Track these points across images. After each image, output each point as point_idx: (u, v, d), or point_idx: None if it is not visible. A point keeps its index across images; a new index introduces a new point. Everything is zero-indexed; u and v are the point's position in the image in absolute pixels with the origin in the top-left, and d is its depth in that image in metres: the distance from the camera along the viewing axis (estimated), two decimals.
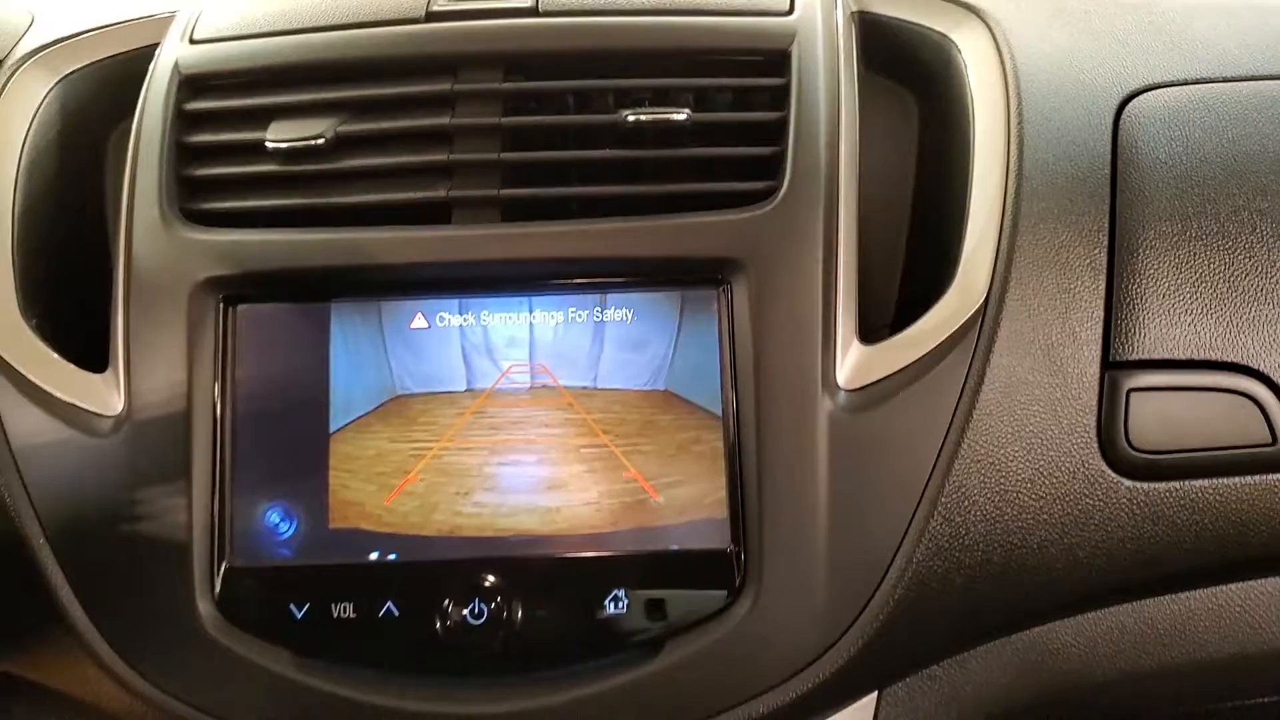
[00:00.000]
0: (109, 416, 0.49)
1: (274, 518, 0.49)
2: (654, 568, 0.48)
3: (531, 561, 0.48)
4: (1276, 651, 0.53)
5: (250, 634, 0.47)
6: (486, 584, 0.48)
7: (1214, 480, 0.50)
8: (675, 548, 0.48)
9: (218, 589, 0.48)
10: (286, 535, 0.49)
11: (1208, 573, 0.51)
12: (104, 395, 0.50)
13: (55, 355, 0.51)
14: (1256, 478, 0.50)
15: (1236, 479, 0.50)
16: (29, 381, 0.50)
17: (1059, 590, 0.50)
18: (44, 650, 0.50)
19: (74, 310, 0.54)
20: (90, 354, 0.51)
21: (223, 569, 0.48)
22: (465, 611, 0.47)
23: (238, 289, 0.50)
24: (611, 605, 0.47)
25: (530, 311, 0.50)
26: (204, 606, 0.47)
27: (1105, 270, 0.50)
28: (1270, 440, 0.50)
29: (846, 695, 0.50)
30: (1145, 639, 0.53)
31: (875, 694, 0.52)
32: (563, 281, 0.50)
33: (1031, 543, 0.48)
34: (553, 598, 0.48)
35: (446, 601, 0.47)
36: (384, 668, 0.48)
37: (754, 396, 0.48)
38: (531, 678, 0.47)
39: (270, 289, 0.50)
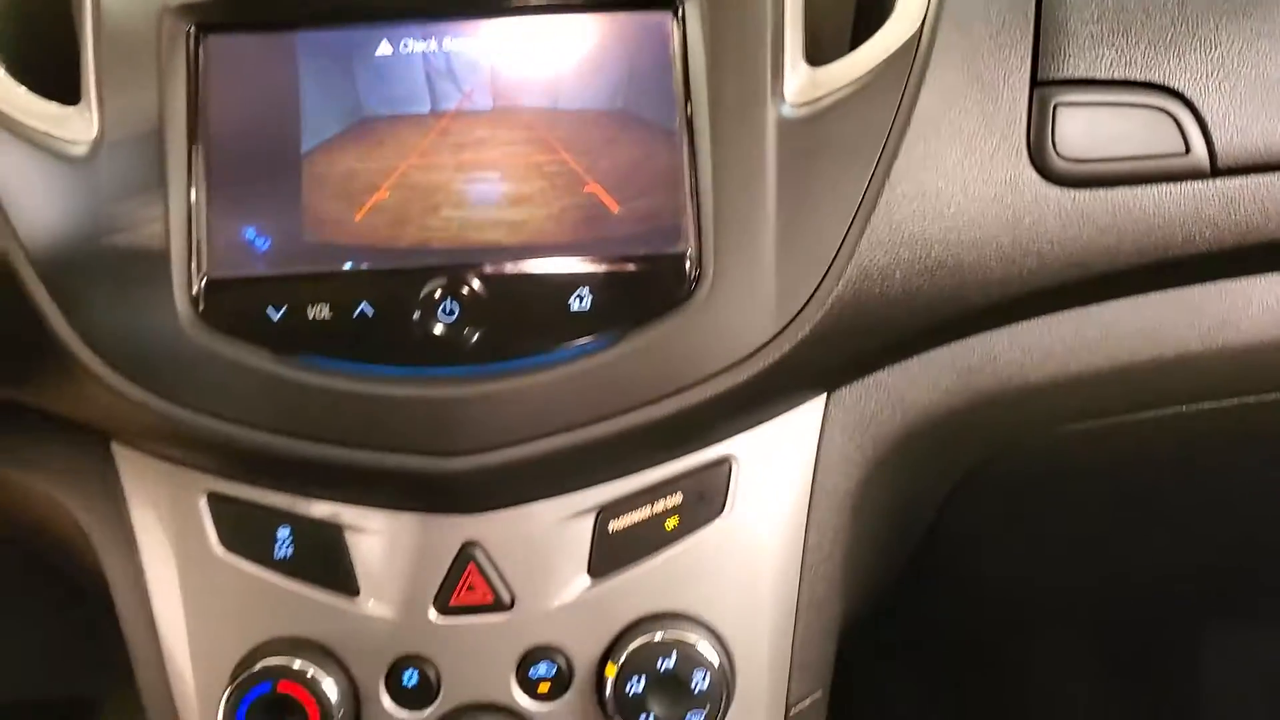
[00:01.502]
0: (84, 143, 0.51)
1: (250, 233, 0.51)
2: (615, 269, 0.51)
3: (499, 265, 0.51)
4: (1191, 356, 0.58)
5: (229, 336, 0.50)
6: (456, 285, 0.50)
7: (1134, 188, 0.54)
8: (635, 251, 0.51)
9: (197, 297, 0.50)
10: (263, 249, 0.51)
11: (1129, 277, 0.56)
12: (78, 125, 0.51)
13: (26, 90, 0.52)
14: (1172, 186, 0.54)
15: (1154, 187, 0.54)
16: (4, 115, 0.52)
17: (992, 290, 0.54)
18: (34, 370, 0.53)
19: (43, 52, 0.55)
20: (64, 94, 0.53)
21: (202, 279, 0.50)
22: (437, 310, 0.50)
23: (207, 17, 0.52)
24: (575, 302, 0.51)
25: (492, 36, 0.53)
26: (184, 314, 0.50)
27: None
28: (1184, 150, 0.54)
29: (796, 386, 0.54)
30: (1073, 345, 0.57)
31: (825, 397, 0.56)
32: (522, 4, 0.53)
33: (966, 240, 0.52)
34: (519, 297, 0.51)
35: (418, 301, 0.50)
36: (358, 360, 0.50)
37: (707, 112, 0.51)
38: (500, 367, 0.50)
39: (239, 15, 0.52)
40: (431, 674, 0.54)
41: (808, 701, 0.57)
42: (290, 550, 0.54)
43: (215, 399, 0.50)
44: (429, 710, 0.54)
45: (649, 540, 0.54)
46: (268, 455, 0.50)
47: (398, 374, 0.50)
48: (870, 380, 0.57)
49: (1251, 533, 0.82)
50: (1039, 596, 0.98)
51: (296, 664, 0.52)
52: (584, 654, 0.54)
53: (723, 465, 0.55)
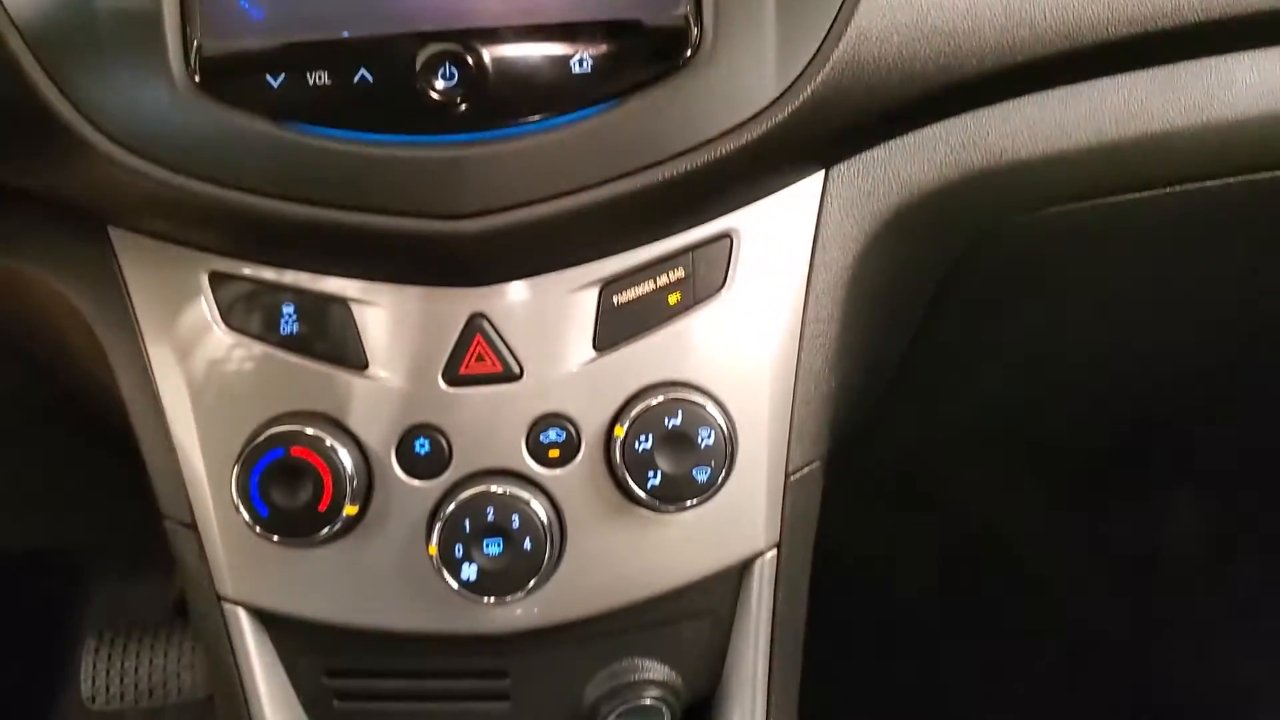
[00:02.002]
0: None
1: (244, 2, 0.51)
2: (618, 34, 0.50)
3: (498, 29, 0.50)
4: (1176, 133, 0.59)
5: (228, 105, 0.49)
6: (455, 51, 0.50)
7: None
8: (635, 14, 0.51)
9: (193, 66, 0.49)
10: (259, 16, 0.50)
11: (1117, 52, 0.56)
12: None
13: None
14: None
15: None
16: None
17: (985, 58, 0.54)
18: (30, 147, 0.52)
19: None
20: None
21: (196, 46, 0.49)
22: (436, 75, 0.50)
23: None
24: (576, 65, 0.50)
25: None
26: (181, 82, 0.49)
27: None
28: None
29: (796, 157, 0.55)
30: (1061, 122, 0.58)
31: (823, 174, 0.57)
32: None
33: (961, 8, 0.53)
34: (519, 61, 0.50)
35: (417, 67, 0.49)
36: (359, 129, 0.50)
37: None
38: (502, 131, 0.50)
39: None
40: (443, 442, 0.55)
41: (806, 470, 0.59)
42: (295, 326, 0.54)
43: (215, 166, 0.50)
44: (441, 478, 0.55)
45: (652, 314, 0.55)
46: (273, 223, 0.50)
47: (399, 140, 0.50)
48: (867, 157, 0.58)
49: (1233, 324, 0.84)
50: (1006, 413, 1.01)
51: (309, 430, 0.53)
52: (592, 421, 0.55)
53: (724, 240, 0.55)
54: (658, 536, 0.57)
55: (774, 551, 0.60)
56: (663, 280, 0.55)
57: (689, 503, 0.55)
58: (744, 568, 0.60)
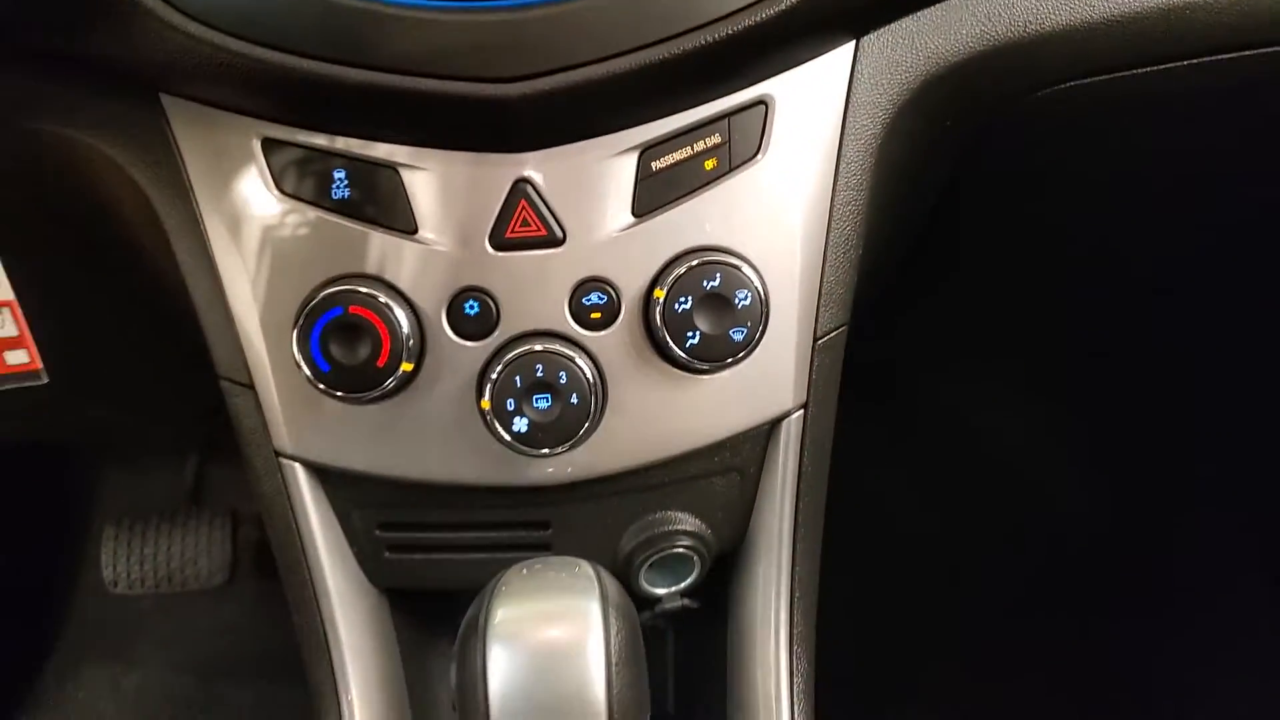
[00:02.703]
0: None
1: None
2: None
3: None
4: (1196, 3, 0.61)
5: None
6: None
7: None
8: None
9: None
10: None
11: None
12: None
13: None
14: None
15: None
16: None
17: None
18: (91, 13, 0.52)
19: None
20: None
21: None
22: None
23: None
24: None
25: None
26: None
27: None
28: None
29: (830, 23, 0.56)
30: None
31: (854, 45, 0.59)
32: None
33: None
34: None
35: None
36: None
37: None
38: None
39: None
40: (490, 304, 0.57)
41: (833, 334, 0.62)
42: (347, 191, 0.56)
43: (271, 30, 0.51)
44: (490, 339, 0.58)
45: (689, 180, 0.57)
46: (327, 86, 0.51)
47: (450, 5, 0.51)
48: (896, 28, 0.59)
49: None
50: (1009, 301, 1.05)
51: (364, 289, 0.56)
52: (631, 284, 0.58)
53: (759, 106, 0.57)
54: (693, 396, 0.60)
55: (801, 412, 0.63)
56: (699, 146, 0.57)
57: (726, 362, 0.58)
58: (772, 427, 0.63)
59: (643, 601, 0.66)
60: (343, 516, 0.63)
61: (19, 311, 0.62)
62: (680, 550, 0.64)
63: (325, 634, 0.62)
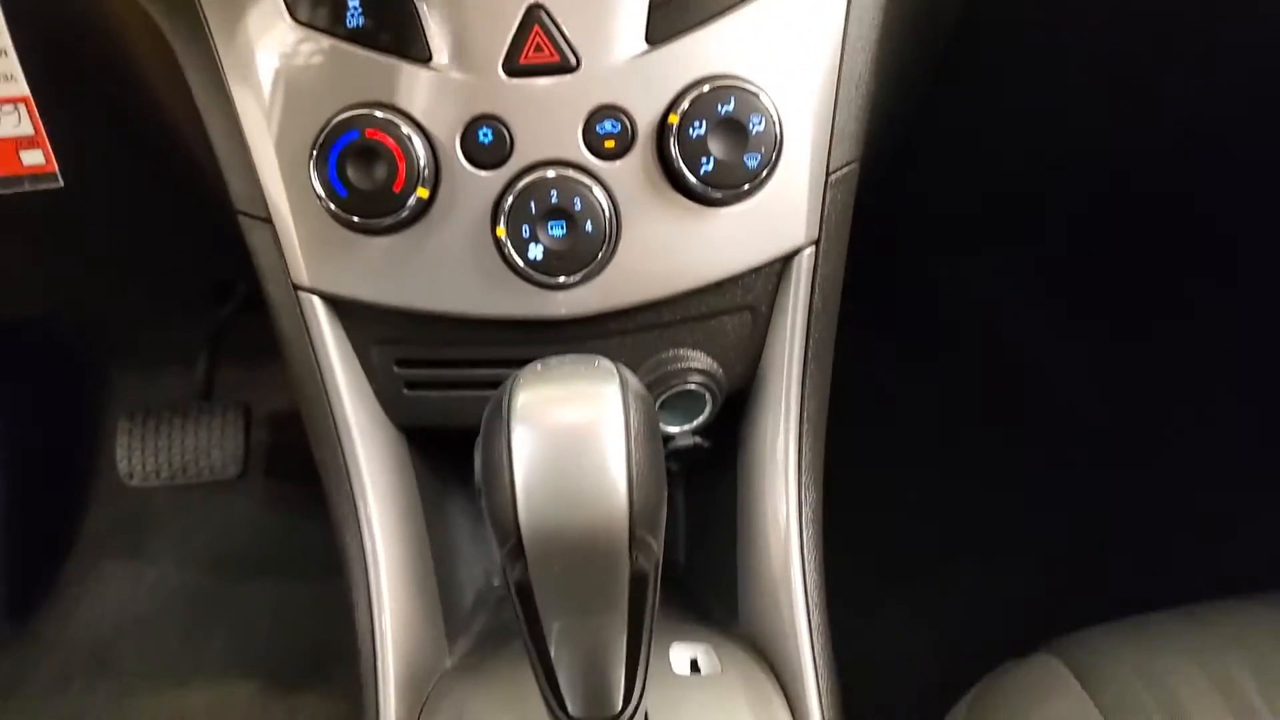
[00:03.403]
0: None
1: None
2: None
3: None
4: None
5: None
6: None
7: None
8: None
9: None
10: None
11: None
12: None
13: None
14: None
15: None
16: None
17: None
18: None
19: None
20: None
21: None
22: None
23: None
24: None
25: None
26: None
27: None
28: None
29: None
30: None
31: None
32: None
33: None
34: None
35: None
36: None
37: None
38: None
39: None
40: (504, 132, 0.57)
41: (845, 169, 0.62)
42: (361, 19, 0.56)
43: None
44: (504, 168, 0.58)
45: (702, 7, 0.57)
46: None
47: None
48: None
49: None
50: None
51: (380, 114, 0.56)
52: (646, 112, 0.58)
53: None
54: (706, 229, 0.61)
55: (813, 248, 0.64)
56: None
57: (740, 189, 0.58)
58: (784, 264, 0.64)
59: None
60: (361, 353, 0.64)
61: (34, 109, 0.62)
62: (692, 387, 0.65)
63: (347, 467, 0.64)
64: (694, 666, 0.64)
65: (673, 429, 0.69)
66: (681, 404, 0.67)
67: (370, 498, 0.64)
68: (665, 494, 0.44)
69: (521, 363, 0.64)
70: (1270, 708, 0.54)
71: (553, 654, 0.45)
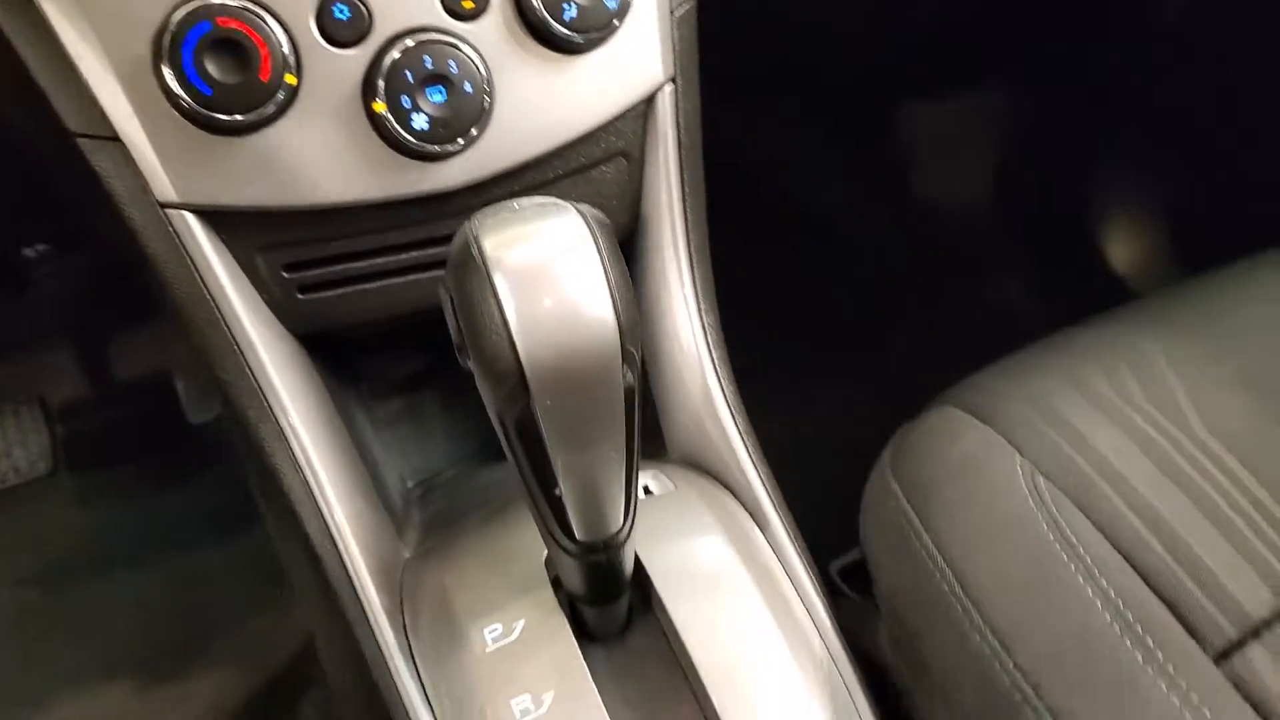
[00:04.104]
0: None
1: None
2: None
3: None
4: None
5: None
6: None
7: None
8: None
9: None
10: None
11: None
12: None
13: None
14: None
15: None
16: None
17: None
18: None
19: None
20: None
21: None
22: None
23: None
24: None
25: None
26: None
27: None
28: None
29: None
30: None
31: None
32: None
33: None
34: None
35: None
36: None
37: None
38: None
39: None
40: (360, 6, 0.55)
41: (686, 7, 0.65)
42: None
43: None
44: (367, 44, 0.56)
45: None
46: None
47: None
48: None
49: None
50: None
51: (227, 1, 0.52)
52: None
53: None
54: (574, 78, 0.62)
55: (671, 85, 0.66)
56: None
57: (606, 28, 0.59)
58: (648, 105, 0.66)
59: None
60: (246, 265, 0.61)
61: None
62: None
63: (258, 381, 0.61)
64: (647, 491, 0.67)
65: None
66: None
67: (289, 406, 0.62)
68: (638, 306, 0.46)
69: (416, 245, 0.64)
70: (1120, 397, 0.64)
71: (561, 486, 0.47)
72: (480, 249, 0.42)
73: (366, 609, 0.60)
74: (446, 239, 0.64)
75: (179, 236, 0.58)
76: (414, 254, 0.64)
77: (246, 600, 1.35)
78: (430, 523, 0.71)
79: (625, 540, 0.51)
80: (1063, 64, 1.44)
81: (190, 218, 0.59)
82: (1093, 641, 0.52)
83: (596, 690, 0.54)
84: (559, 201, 0.45)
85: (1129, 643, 0.52)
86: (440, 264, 0.65)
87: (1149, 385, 0.65)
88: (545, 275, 0.42)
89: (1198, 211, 1.40)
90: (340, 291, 0.64)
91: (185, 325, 0.61)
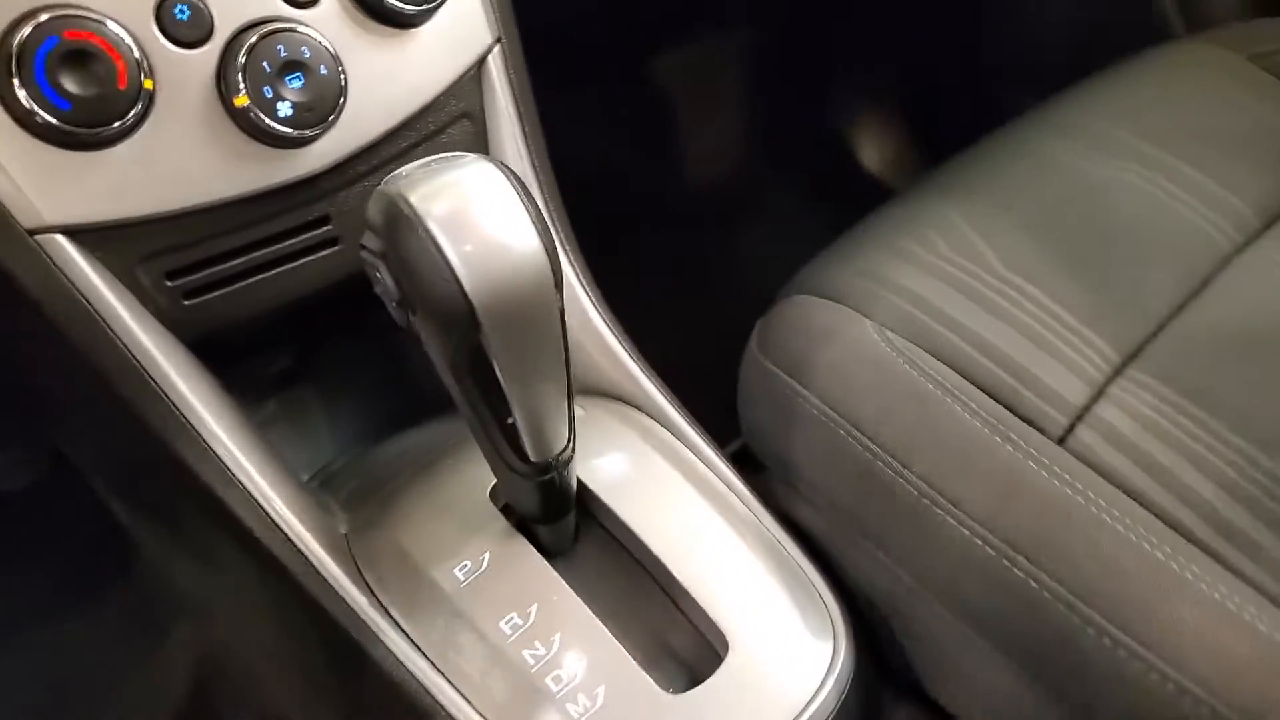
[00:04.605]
0: None
1: None
2: None
3: None
4: None
5: None
6: None
7: None
8: None
9: None
10: None
11: None
12: None
13: None
14: None
15: None
16: None
17: None
18: None
19: None
20: None
21: None
22: None
23: None
24: None
25: None
26: None
27: None
28: None
29: None
30: None
31: None
32: None
33: None
34: None
35: None
36: None
37: None
38: None
39: None
40: (200, 5, 0.56)
41: None
42: None
43: None
44: (213, 42, 0.57)
45: None
46: None
47: None
48: None
49: None
50: None
51: (72, 12, 0.52)
52: None
53: None
54: (414, 49, 0.65)
55: (499, 45, 0.70)
56: None
57: (434, 0, 0.63)
58: (480, 66, 0.70)
59: None
60: (128, 279, 0.60)
61: None
62: None
63: (169, 396, 0.60)
64: None
65: None
66: None
67: (204, 414, 0.61)
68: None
69: (288, 234, 0.65)
70: (934, 255, 0.75)
71: (514, 412, 0.51)
72: (410, 205, 0.45)
73: (333, 583, 0.62)
74: (318, 222, 0.67)
75: (54, 261, 0.57)
76: (289, 243, 0.66)
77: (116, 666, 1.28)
78: (351, 501, 0.73)
79: (572, 455, 0.56)
80: None
81: (63, 240, 0.57)
82: (971, 444, 0.62)
83: (574, 592, 0.59)
84: (462, 154, 0.49)
85: (998, 439, 0.63)
86: (318, 246, 0.67)
87: (954, 241, 0.76)
88: (476, 217, 0.46)
89: (937, 103, 1.59)
90: (224, 292, 0.64)
91: (76, 352, 0.59)
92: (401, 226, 0.46)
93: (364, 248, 0.49)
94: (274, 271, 0.66)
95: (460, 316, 0.47)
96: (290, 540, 0.62)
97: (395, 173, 0.49)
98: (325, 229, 0.67)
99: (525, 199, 0.47)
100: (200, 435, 0.62)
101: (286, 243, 0.66)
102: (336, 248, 0.68)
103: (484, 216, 0.46)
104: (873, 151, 1.66)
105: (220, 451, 0.62)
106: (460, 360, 0.49)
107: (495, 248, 0.46)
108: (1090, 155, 0.84)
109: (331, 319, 0.77)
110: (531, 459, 0.55)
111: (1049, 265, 0.74)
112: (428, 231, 0.45)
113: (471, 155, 0.48)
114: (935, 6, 1.50)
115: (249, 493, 0.62)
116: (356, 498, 0.72)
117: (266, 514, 0.62)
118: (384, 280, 0.48)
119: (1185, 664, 0.55)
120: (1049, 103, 0.93)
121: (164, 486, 0.67)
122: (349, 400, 0.87)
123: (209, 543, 0.69)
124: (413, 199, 0.46)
